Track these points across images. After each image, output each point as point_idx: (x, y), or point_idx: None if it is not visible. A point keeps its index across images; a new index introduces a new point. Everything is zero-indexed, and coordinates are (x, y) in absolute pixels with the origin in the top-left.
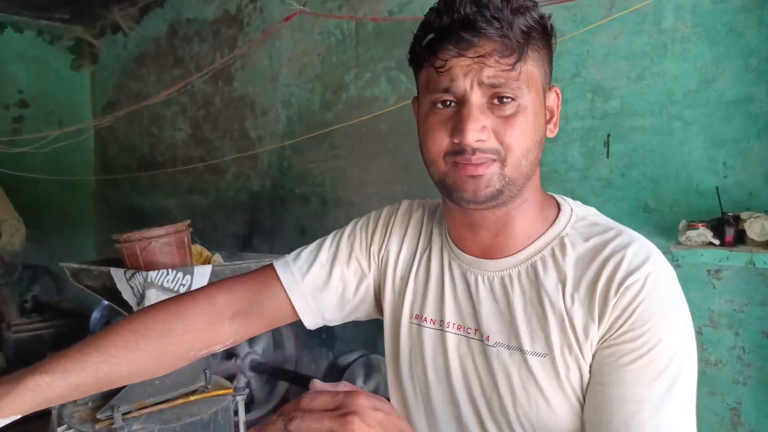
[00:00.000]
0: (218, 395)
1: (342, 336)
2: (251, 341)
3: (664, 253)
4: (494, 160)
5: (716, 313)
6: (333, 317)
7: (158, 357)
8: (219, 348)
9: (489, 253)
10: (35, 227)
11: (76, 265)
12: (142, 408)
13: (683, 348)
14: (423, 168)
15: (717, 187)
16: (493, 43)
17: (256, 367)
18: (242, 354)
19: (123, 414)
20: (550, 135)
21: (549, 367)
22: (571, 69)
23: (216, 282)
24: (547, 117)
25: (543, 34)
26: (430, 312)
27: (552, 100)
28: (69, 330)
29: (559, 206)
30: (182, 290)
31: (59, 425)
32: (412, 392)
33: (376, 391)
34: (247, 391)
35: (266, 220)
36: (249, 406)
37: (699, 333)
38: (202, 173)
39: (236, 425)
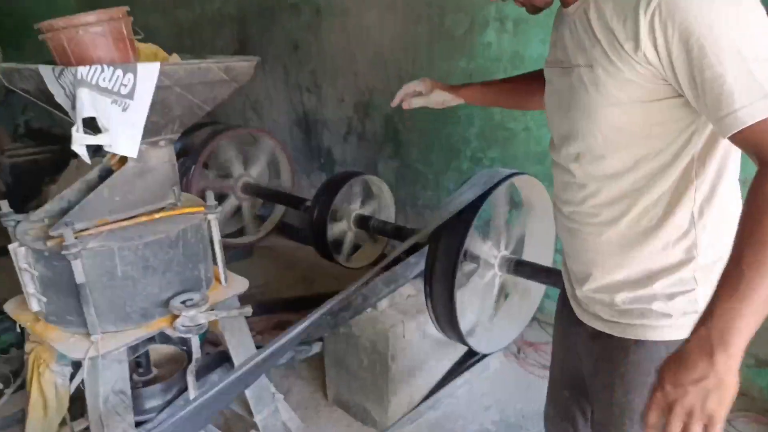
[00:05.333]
0: (188, 213)
1: (341, 160)
2: (245, 164)
3: None
4: None
5: None
6: None
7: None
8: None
9: (566, 7)
10: (16, 49)
11: (11, 65)
12: (102, 225)
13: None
14: None
15: None
16: None
17: (248, 189)
18: (235, 174)
19: (79, 231)
20: None
21: (593, 77)
22: None
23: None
24: None
25: None
26: (551, 56)
27: None
28: (63, 156)
29: None
30: (123, 91)
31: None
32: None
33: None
34: (219, 209)
35: (255, 35)
36: (242, 231)
37: None
38: None
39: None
